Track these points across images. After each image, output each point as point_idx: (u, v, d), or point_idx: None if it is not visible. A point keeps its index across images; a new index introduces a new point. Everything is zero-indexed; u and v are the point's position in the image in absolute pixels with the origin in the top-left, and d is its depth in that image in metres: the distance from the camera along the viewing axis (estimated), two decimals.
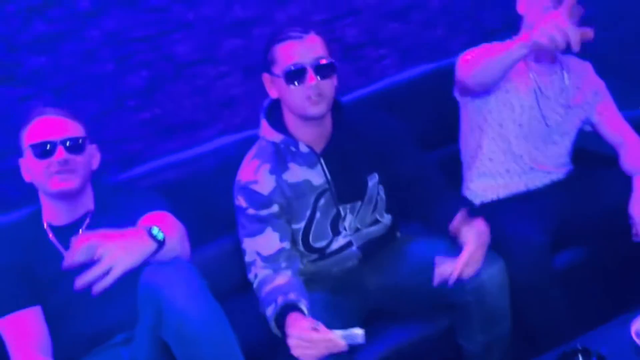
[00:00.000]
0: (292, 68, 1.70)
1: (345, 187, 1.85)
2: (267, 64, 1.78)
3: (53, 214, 1.82)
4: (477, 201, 2.17)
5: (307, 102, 1.71)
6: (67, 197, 1.79)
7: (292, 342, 1.54)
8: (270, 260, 1.79)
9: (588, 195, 2.09)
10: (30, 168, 1.77)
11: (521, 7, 2.07)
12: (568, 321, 1.90)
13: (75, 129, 1.79)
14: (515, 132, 2.12)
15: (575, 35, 1.62)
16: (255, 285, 1.80)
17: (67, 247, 1.73)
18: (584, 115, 2.20)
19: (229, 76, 2.53)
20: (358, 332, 1.50)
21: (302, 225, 1.85)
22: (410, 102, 2.41)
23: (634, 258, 2.03)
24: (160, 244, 1.56)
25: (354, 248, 1.92)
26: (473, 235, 1.70)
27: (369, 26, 2.73)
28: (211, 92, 2.53)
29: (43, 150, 1.74)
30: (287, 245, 1.82)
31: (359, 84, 2.71)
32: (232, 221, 1.93)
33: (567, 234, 2.04)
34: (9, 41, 2.23)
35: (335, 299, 1.87)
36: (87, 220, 1.82)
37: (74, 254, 1.45)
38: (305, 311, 1.66)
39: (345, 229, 1.89)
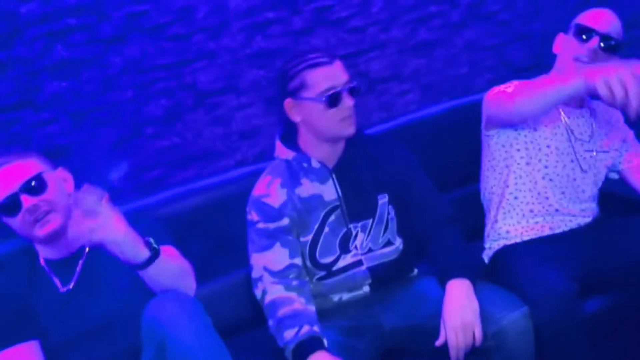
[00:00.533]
0: (331, 92, 1.77)
1: (356, 205, 1.89)
2: (293, 90, 1.81)
3: (46, 250, 1.76)
4: (500, 244, 2.10)
5: (343, 123, 1.79)
6: (60, 235, 1.71)
7: None
8: (280, 275, 1.81)
9: (615, 242, 2.02)
10: (10, 226, 1.71)
11: (557, 47, 2.07)
12: None
13: (29, 168, 1.70)
14: (542, 172, 2.06)
15: (637, 101, 1.59)
16: (267, 302, 1.79)
17: (63, 282, 1.73)
18: (610, 162, 2.14)
19: (249, 107, 2.50)
20: None
21: (309, 237, 1.88)
22: (431, 139, 2.36)
23: None
24: (153, 255, 1.56)
25: (363, 268, 1.90)
26: (451, 329, 1.72)
27: (392, 61, 2.70)
28: (231, 123, 2.51)
29: (8, 207, 1.66)
30: (297, 261, 1.84)
31: (381, 118, 2.69)
32: (245, 254, 1.90)
33: (593, 281, 1.95)
34: (30, 65, 2.23)
35: (350, 340, 1.81)
36: (83, 256, 1.76)
37: (81, 196, 1.48)
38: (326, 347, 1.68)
39: (356, 247, 1.89)
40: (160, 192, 2.21)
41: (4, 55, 2.20)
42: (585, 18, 2.01)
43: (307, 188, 1.87)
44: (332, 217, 1.87)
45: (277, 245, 1.83)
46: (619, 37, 1.98)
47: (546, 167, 2.05)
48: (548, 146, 2.06)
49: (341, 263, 1.89)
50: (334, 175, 1.88)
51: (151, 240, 1.59)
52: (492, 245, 2.12)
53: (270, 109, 2.52)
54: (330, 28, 2.57)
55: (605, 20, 1.98)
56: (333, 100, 1.77)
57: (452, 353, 1.72)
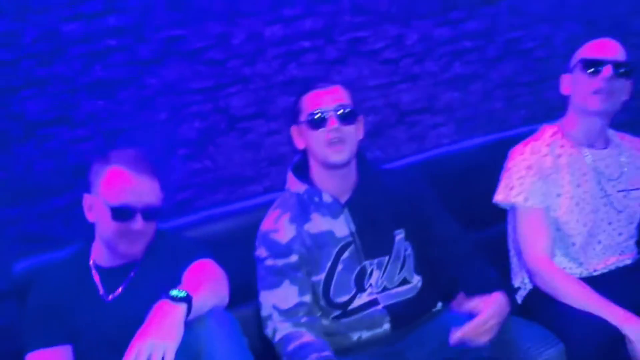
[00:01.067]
0: (315, 113, 1.77)
1: (371, 241, 1.83)
2: (294, 116, 1.85)
3: (101, 256, 1.79)
4: (530, 286, 2.04)
5: (329, 147, 1.76)
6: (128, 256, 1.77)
7: None
8: (289, 314, 1.76)
9: None
10: (102, 224, 1.73)
11: (565, 89, 2.00)
12: None
13: (156, 191, 1.74)
14: (578, 230, 1.97)
15: None
16: (276, 340, 1.75)
17: (108, 290, 1.75)
18: None
19: (279, 133, 2.52)
20: None
21: (322, 277, 1.82)
22: (462, 174, 2.32)
23: None
24: (187, 300, 1.53)
25: (379, 307, 1.83)
26: (489, 305, 1.66)
27: (426, 93, 2.70)
28: (261, 148, 2.53)
29: (122, 214, 1.68)
30: (306, 299, 1.80)
31: (412, 150, 2.69)
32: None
33: None
34: (69, 83, 2.29)
35: None
36: (135, 269, 1.78)
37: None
38: None
39: (371, 285, 1.83)
40: (190, 214, 2.24)
41: (45, 72, 2.26)
42: (590, 51, 1.94)
43: (318, 224, 1.82)
44: (345, 254, 1.82)
45: (286, 283, 1.79)
46: (629, 62, 1.91)
47: (585, 224, 1.96)
48: (584, 199, 1.96)
49: (357, 302, 1.83)
50: (346, 210, 1.83)
51: (173, 294, 1.55)
52: (526, 284, 2.07)
53: None
54: (364, 58, 2.59)
55: (611, 48, 1.92)
56: (316, 121, 1.77)
57: (479, 321, 1.64)
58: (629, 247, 2.04)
